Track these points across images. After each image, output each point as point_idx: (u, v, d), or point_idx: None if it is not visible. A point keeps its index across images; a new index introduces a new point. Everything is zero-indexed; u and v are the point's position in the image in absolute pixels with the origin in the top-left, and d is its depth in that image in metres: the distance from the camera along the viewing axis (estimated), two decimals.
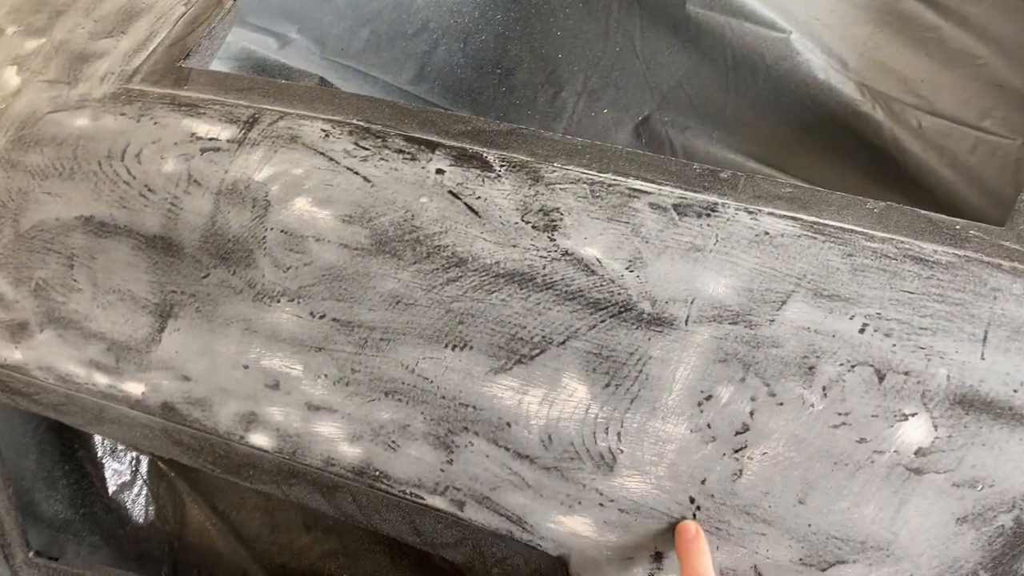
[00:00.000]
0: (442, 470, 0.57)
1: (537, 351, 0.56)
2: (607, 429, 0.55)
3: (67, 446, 0.78)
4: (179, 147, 0.66)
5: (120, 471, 0.78)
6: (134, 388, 0.63)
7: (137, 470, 0.78)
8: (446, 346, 0.57)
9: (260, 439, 0.61)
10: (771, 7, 0.86)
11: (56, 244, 0.66)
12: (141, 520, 0.79)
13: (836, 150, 0.83)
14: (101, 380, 0.64)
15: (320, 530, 0.71)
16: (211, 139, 0.65)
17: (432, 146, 0.62)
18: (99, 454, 0.78)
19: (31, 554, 0.77)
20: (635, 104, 0.95)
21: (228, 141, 0.65)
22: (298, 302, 0.60)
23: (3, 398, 0.69)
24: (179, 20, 0.74)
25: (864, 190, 0.58)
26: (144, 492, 0.78)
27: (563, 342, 0.56)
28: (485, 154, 0.61)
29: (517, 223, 0.59)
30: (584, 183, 0.59)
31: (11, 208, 0.68)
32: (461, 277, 0.58)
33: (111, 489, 0.79)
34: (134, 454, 0.78)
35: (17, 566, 0.78)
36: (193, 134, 0.66)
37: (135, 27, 0.74)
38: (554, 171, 0.60)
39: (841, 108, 0.82)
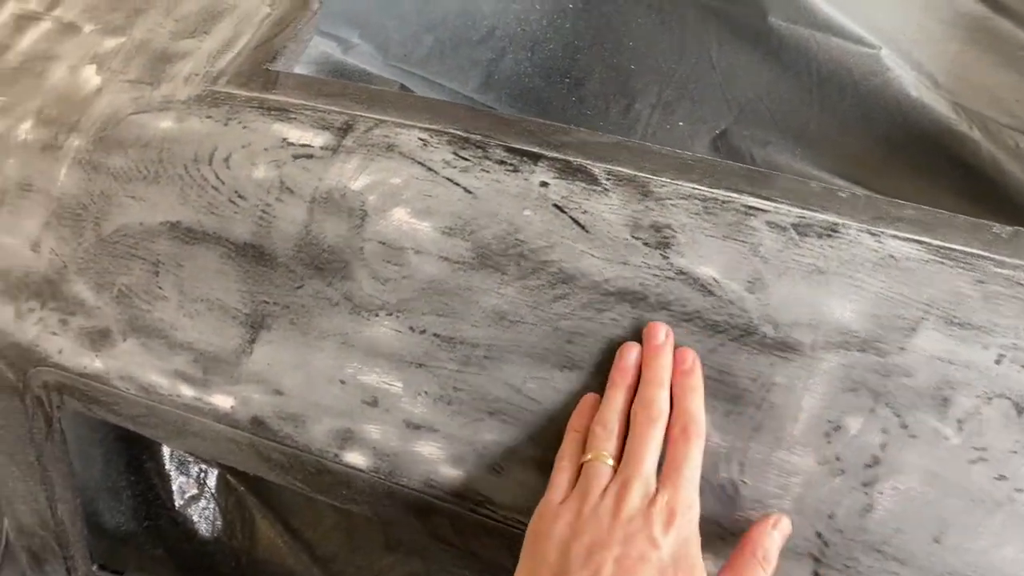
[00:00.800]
0: None
1: None
2: (729, 459, 0.52)
3: (134, 457, 0.76)
4: (270, 152, 0.64)
5: (187, 484, 0.76)
6: (222, 401, 0.61)
7: (205, 483, 0.76)
8: (554, 366, 0.55)
9: (355, 457, 0.58)
10: (859, 22, 0.84)
11: (140, 250, 0.64)
12: (208, 535, 0.77)
13: (928, 169, 0.81)
14: (187, 392, 0.62)
15: (403, 551, 0.68)
16: (304, 145, 0.63)
17: (535, 157, 0.60)
18: (166, 466, 0.76)
19: (95, 567, 0.75)
20: (711, 117, 0.92)
21: (322, 148, 0.63)
22: (397, 316, 0.58)
23: (79, 407, 0.67)
24: (264, 21, 0.72)
25: (960, 211, 0.56)
26: (212, 506, 0.76)
27: None
28: (590, 167, 0.59)
29: (627, 239, 0.56)
30: (696, 199, 0.57)
31: (93, 211, 0.66)
32: (569, 294, 0.56)
33: (178, 502, 0.76)
34: (202, 467, 0.76)
35: None
36: (285, 139, 0.64)
37: (218, 28, 0.72)
38: (664, 186, 0.58)
39: (934, 126, 0.80)
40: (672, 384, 0.52)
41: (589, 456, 0.50)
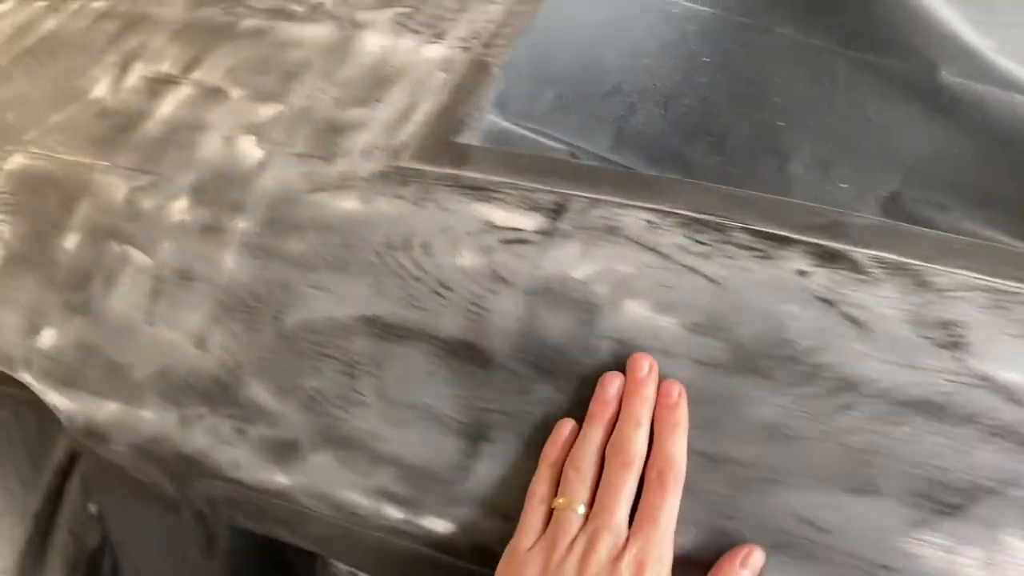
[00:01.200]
0: None
1: (966, 500, 0.46)
2: None
3: (293, 573, 0.67)
4: (475, 237, 0.57)
5: None
6: (437, 525, 0.53)
7: None
8: (846, 490, 0.48)
9: None
10: None
11: (331, 348, 0.56)
12: None
13: None
14: (393, 513, 0.54)
15: None
16: (513, 229, 0.56)
17: (783, 241, 0.53)
18: None
19: None
20: (876, 179, 0.86)
21: (534, 232, 0.56)
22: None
23: (252, 526, 0.59)
24: (441, 88, 0.65)
25: None
26: None
27: (998, 490, 0.46)
28: (851, 252, 0.52)
29: (910, 338, 0.49)
30: (981, 291, 0.50)
31: (270, 303, 0.59)
32: (854, 404, 0.49)
33: None
34: None
35: None
36: (489, 223, 0.57)
37: (390, 94, 0.66)
38: (940, 275, 0.51)
39: None
40: (654, 420, 0.49)
41: (560, 501, 0.48)
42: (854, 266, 0.52)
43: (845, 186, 0.89)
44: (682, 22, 1.00)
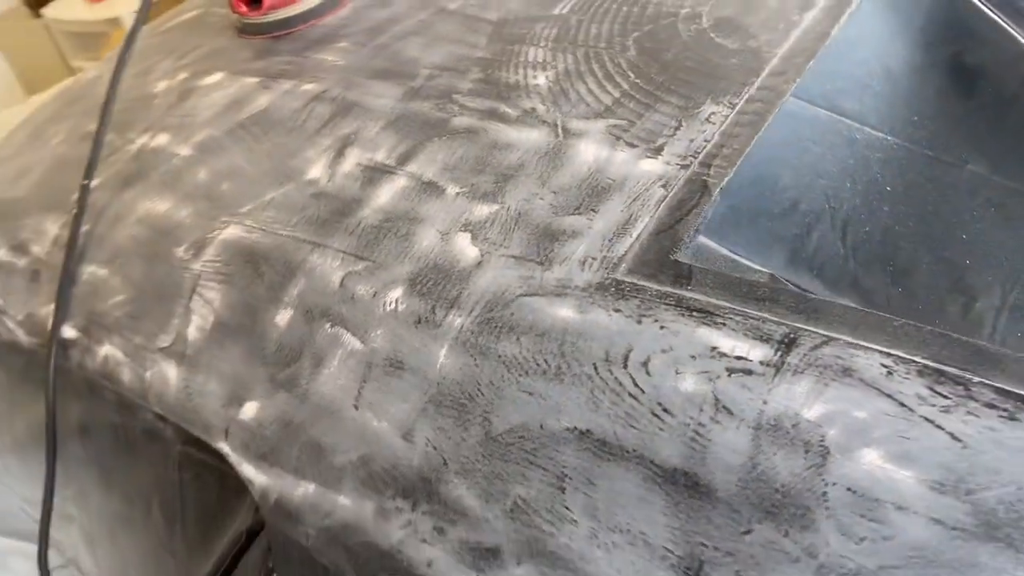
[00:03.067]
0: None
1: None
2: None
3: None
4: (698, 362, 0.56)
5: None
6: None
7: None
8: None
9: None
10: None
11: (541, 458, 0.56)
12: None
13: None
14: None
15: None
16: (739, 358, 0.55)
17: None
18: None
19: None
20: None
21: (761, 363, 0.55)
22: None
23: None
24: (661, 204, 0.65)
25: None
26: None
27: None
28: None
29: None
30: None
31: (481, 404, 0.58)
32: None
33: None
34: None
35: None
36: (714, 348, 0.56)
37: (607, 206, 0.66)
38: None
39: None
40: None
41: None
42: None
43: None
44: (864, 148, 0.99)
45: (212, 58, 1.00)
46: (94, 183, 0.85)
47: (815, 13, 0.84)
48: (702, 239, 0.79)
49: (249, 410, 0.65)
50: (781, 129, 1.01)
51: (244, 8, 0.98)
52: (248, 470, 0.63)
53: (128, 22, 3.25)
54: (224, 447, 0.64)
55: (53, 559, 0.89)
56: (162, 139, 0.88)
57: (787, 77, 0.76)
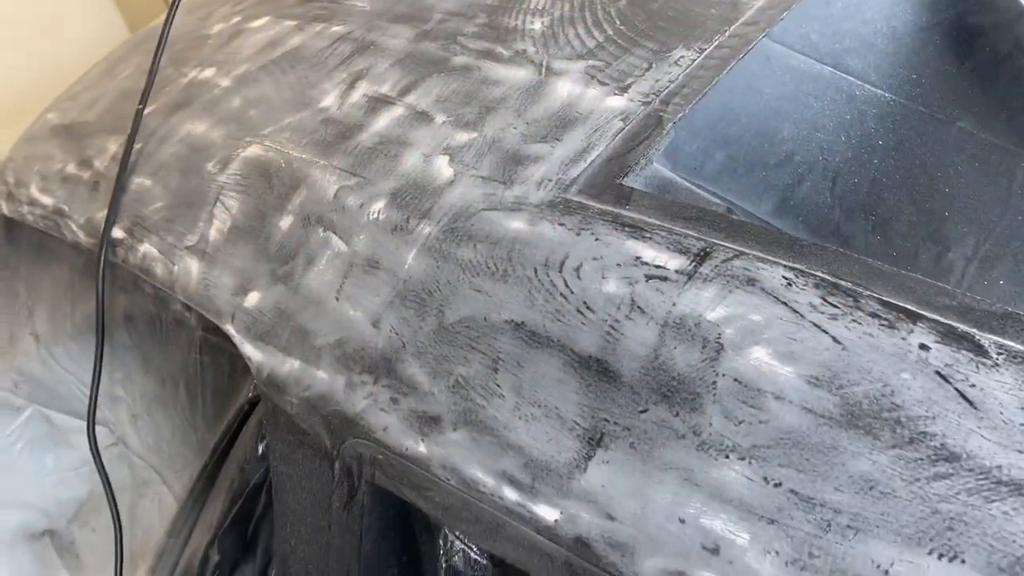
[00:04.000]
0: None
1: None
2: None
3: (410, 537, 0.76)
4: (622, 269, 0.63)
5: None
6: (547, 513, 0.60)
7: None
8: (930, 552, 0.50)
9: None
10: None
11: (482, 344, 0.65)
12: None
13: None
14: (510, 495, 0.61)
15: None
16: (658, 266, 0.63)
17: (912, 316, 0.56)
18: (440, 554, 0.75)
19: None
20: None
21: (676, 272, 0.62)
22: (750, 462, 0.55)
23: (388, 485, 0.67)
24: (617, 135, 0.73)
25: None
26: None
27: None
28: (977, 336, 0.55)
29: (1023, 424, 0.51)
30: None
31: (437, 299, 0.68)
32: (952, 475, 0.51)
33: None
34: (474, 564, 0.75)
35: None
36: (638, 258, 0.63)
37: (570, 135, 0.74)
38: None
39: None
40: None
41: None
42: (977, 349, 0.54)
43: (1004, 283, 0.89)
44: (862, 104, 1.03)
45: (263, 4, 1.11)
46: (149, 109, 0.98)
47: None
48: (669, 174, 0.85)
49: (252, 299, 0.76)
50: (786, 84, 1.06)
51: None
52: (248, 349, 0.74)
53: None
54: (230, 329, 0.76)
55: (104, 438, 1.03)
56: (209, 72, 0.99)
57: (759, 27, 0.82)
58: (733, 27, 0.82)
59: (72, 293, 1.00)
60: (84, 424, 1.04)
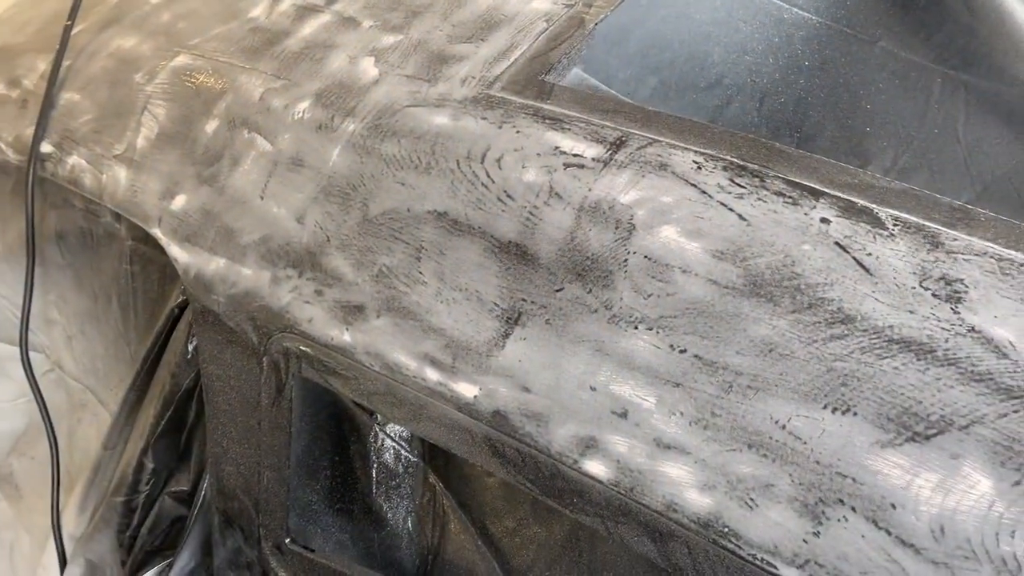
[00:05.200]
0: (805, 541, 0.52)
1: (934, 431, 0.51)
2: (1013, 533, 0.49)
3: (341, 437, 0.77)
4: (541, 158, 0.65)
5: (387, 474, 0.77)
6: (467, 390, 0.62)
7: (405, 475, 0.76)
8: (825, 407, 0.53)
9: (595, 467, 0.57)
10: None
11: (405, 234, 0.66)
12: (398, 528, 0.77)
13: None
14: (432, 376, 0.63)
15: (611, 573, 0.67)
16: (575, 155, 0.64)
17: (815, 193, 0.59)
18: (370, 453, 0.77)
19: (287, 540, 0.76)
20: (951, 190, 0.89)
21: (593, 159, 0.63)
22: (657, 332, 0.57)
23: (315, 377, 0.69)
24: (540, 35, 0.74)
25: None
26: (407, 500, 0.76)
27: (966, 427, 0.50)
28: (876, 210, 0.57)
29: (914, 288, 0.54)
30: (991, 257, 0.54)
31: (361, 192, 0.68)
32: (847, 335, 0.54)
33: (373, 490, 0.77)
34: (405, 458, 0.77)
35: (269, 549, 0.77)
36: (557, 148, 0.65)
37: (495, 36, 0.75)
38: (955, 240, 0.55)
39: None
40: None
41: None
42: (875, 221, 0.57)
43: None
44: (790, 27, 1.05)
45: None
46: (78, 28, 0.96)
47: None
48: (594, 81, 0.86)
49: (179, 202, 0.76)
50: (717, 10, 1.08)
51: None
52: (175, 251, 0.75)
53: None
54: (158, 232, 0.76)
55: (41, 364, 1.03)
56: None
57: None
58: None
59: (2, 214, 0.99)
60: (18, 351, 1.04)
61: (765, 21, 1.06)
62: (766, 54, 1.04)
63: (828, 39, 1.02)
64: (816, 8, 1.03)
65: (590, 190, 0.62)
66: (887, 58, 0.97)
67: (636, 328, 0.58)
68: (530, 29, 0.75)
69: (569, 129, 0.66)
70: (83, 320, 0.94)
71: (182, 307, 0.78)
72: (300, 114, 0.74)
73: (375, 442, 0.78)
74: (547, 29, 0.74)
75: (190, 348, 0.77)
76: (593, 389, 0.58)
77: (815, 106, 0.99)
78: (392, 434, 0.76)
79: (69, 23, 0.94)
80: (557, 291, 0.61)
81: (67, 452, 1.01)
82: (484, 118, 0.68)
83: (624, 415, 0.57)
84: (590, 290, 0.60)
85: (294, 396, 0.71)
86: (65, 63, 0.93)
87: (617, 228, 0.61)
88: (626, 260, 0.60)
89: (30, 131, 0.90)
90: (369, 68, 0.75)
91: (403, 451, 0.77)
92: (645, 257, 0.59)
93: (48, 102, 0.90)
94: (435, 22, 0.78)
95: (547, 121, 0.67)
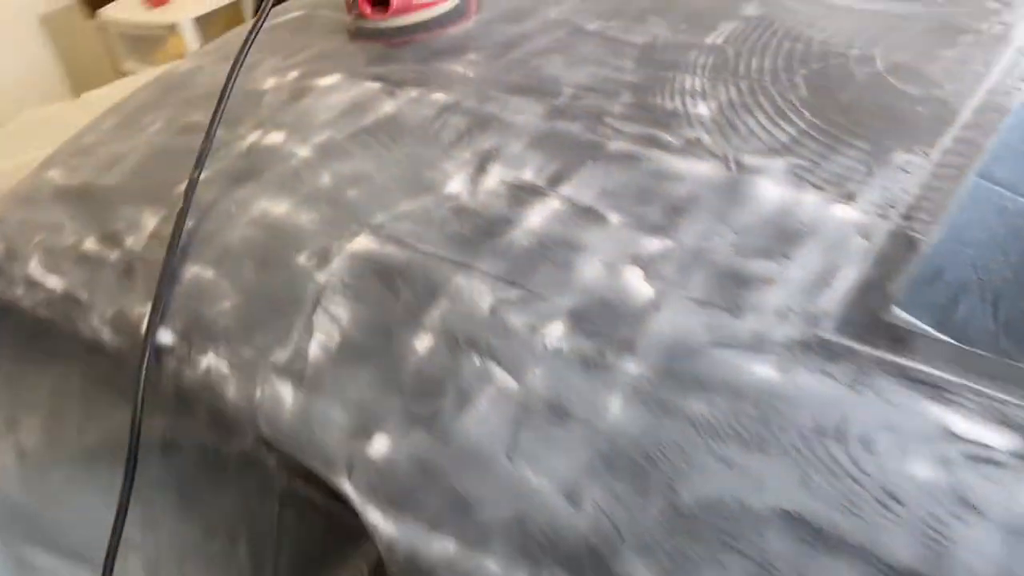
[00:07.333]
0: None
1: None
2: None
3: None
4: (930, 445, 0.47)
5: None
6: None
7: None
8: None
9: None
10: None
11: (742, 541, 0.47)
12: None
13: None
14: None
15: None
16: (981, 444, 0.47)
17: None
18: None
19: None
20: None
21: (1007, 453, 0.46)
22: None
23: None
24: (864, 255, 0.58)
25: None
26: None
27: None
28: None
29: None
30: None
31: (663, 468, 0.50)
32: None
33: None
34: None
35: None
36: (948, 430, 0.48)
37: (800, 252, 0.59)
38: None
39: None
40: None
41: None
42: None
43: None
44: (1015, 217, 0.91)
45: (325, 59, 0.94)
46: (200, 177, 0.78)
47: (1002, 66, 0.77)
48: (909, 317, 0.71)
49: (379, 445, 0.57)
50: None
51: (368, 9, 0.91)
52: (375, 516, 0.55)
53: (187, 28, 3.23)
54: (347, 486, 0.56)
55: None
56: (276, 137, 0.81)
57: (984, 131, 0.69)
58: (955, 129, 0.69)
59: (85, 405, 0.79)
60: (69, 564, 0.82)
61: (985, 209, 0.92)
62: (991, 247, 0.90)
63: None
64: None
65: (1017, 501, 0.45)
66: None
67: None
68: (846, 245, 0.59)
69: (956, 402, 0.49)
70: (183, 554, 0.73)
71: None
72: (554, 341, 0.56)
73: None
74: (869, 248, 0.58)
75: None
76: None
77: None
78: None
79: (196, 174, 0.76)
80: None
81: None
82: (827, 374, 0.51)
83: None
84: None
85: None
86: (187, 224, 0.74)
87: None
88: None
89: (139, 310, 0.71)
90: (639, 284, 0.58)
91: None
92: None
93: (168, 275, 0.71)
94: (709, 223, 0.62)
95: (920, 387, 0.50)
